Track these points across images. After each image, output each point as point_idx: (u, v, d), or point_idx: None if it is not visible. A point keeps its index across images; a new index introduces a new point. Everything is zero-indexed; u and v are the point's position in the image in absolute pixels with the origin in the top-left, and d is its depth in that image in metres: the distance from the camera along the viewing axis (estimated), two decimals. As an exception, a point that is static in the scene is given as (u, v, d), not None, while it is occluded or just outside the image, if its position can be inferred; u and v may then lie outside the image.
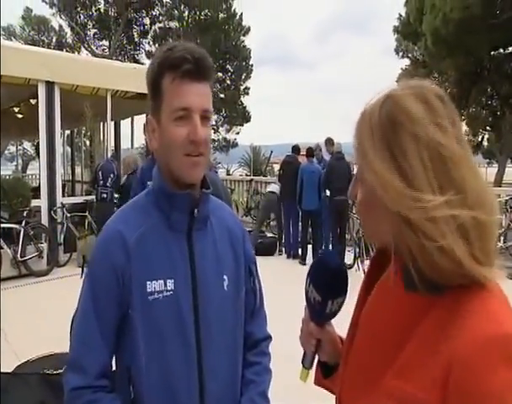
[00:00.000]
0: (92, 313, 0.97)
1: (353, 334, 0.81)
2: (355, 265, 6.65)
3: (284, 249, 8.18)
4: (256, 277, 1.17)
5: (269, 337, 1.22)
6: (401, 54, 21.07)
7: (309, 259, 7.40)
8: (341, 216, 6.86)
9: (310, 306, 0.87)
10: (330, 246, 7.28)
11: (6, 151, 26.84)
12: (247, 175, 18.33)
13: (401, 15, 17.64)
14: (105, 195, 7.14)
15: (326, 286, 0.84)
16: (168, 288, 0.97)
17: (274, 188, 8.38)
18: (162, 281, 0.97)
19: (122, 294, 0.96)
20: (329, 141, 7.82)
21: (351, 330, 0.83)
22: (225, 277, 1.05)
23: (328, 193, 7.00)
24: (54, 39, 25.27)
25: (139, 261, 0.97)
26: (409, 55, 20.74)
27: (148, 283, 0.96)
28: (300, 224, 7.74)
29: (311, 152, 7.70)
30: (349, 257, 6.91)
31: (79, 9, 23.49)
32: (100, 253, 1.00)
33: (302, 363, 0.92)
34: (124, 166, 4.31)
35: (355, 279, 1.08)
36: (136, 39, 24.93)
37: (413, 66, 19.91)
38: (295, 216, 7.83)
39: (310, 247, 7.60)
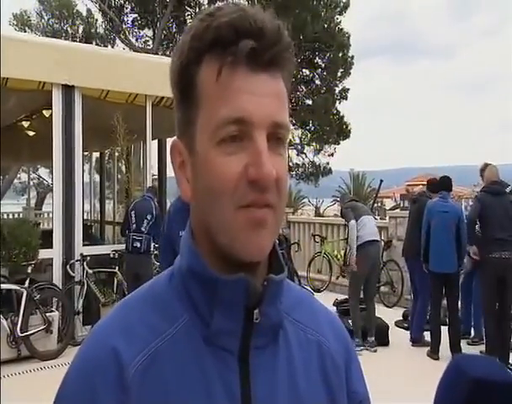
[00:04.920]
0: None
1: None
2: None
3: (409, 333, 7.97)
4: None
5: None
6: None
7: (445, 351, 7.02)
8: (503, 285, 6.62)
9: None
10: (483, 332, 7.07)
11: (16, 181, 28.83)
12: (345, 216, 18.04)
13: None
14: (138, 244, 7.32)
15: None
16: None
17: (370, 232, 7.71)
18: None
19: None
20: (484, 168, 7.48)
21: None
22: None
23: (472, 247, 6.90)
24: (80, 29, 27.16)
25: None
26: None
27: None
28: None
29: (445, 184, 7.45)
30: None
31: (113, -13, 25.06)
32: (75, 390, 0.83)
33: None
34: None
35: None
36: (190, 26, 26.10)
37: None
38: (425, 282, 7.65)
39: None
